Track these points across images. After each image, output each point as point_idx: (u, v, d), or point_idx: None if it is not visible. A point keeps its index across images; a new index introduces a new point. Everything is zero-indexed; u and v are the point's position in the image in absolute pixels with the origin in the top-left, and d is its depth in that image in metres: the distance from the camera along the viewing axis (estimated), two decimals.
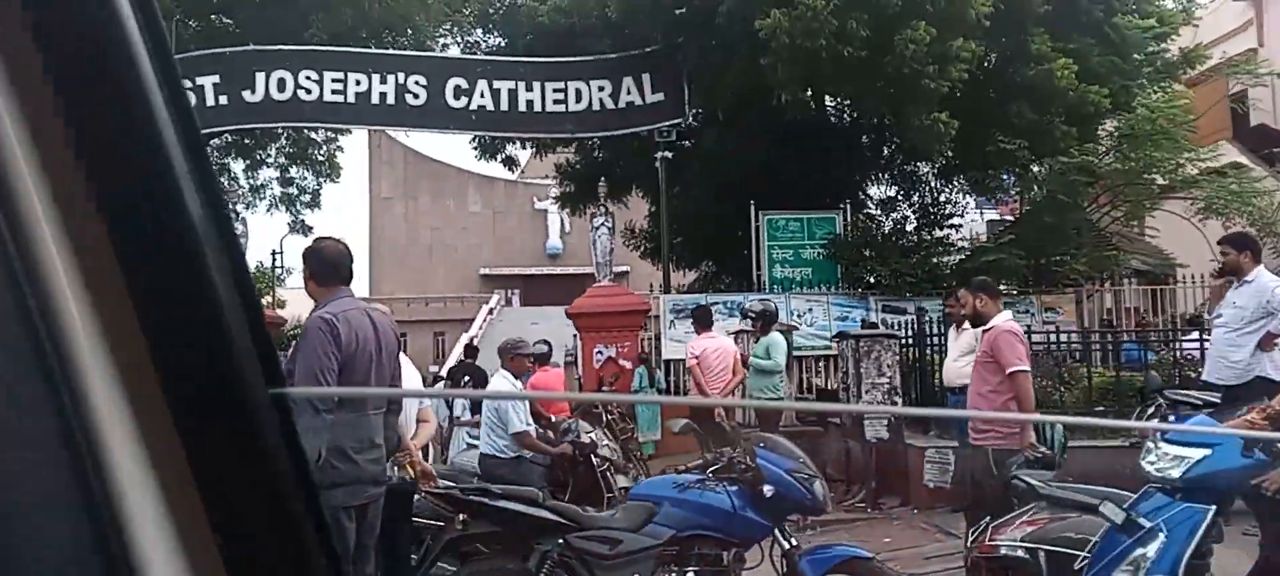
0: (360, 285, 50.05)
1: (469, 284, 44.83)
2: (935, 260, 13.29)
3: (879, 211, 14.50)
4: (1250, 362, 5.23)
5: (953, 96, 12.42)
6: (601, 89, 13.60)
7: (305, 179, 20.42)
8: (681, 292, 14.89)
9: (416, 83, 13.48)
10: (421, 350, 37.25)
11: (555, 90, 13.58)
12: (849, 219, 13.67)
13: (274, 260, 28.63)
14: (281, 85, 13.18)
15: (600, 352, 12.69)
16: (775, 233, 13.68)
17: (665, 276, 14.10)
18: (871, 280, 13.05)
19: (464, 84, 13.55)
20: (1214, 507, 3.22)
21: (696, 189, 14.91)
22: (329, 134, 19.93)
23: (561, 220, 42.71)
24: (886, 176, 14.50)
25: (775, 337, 8.09)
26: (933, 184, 14.53)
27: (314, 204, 20.75)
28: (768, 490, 3.90)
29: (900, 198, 14.66)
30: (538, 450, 5.67)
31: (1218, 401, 5.36)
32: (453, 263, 45.71)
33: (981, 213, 18.57)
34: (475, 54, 16.33)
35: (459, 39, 18.05)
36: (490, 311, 39.22)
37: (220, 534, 0.61)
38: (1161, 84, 13.67)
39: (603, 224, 13.20)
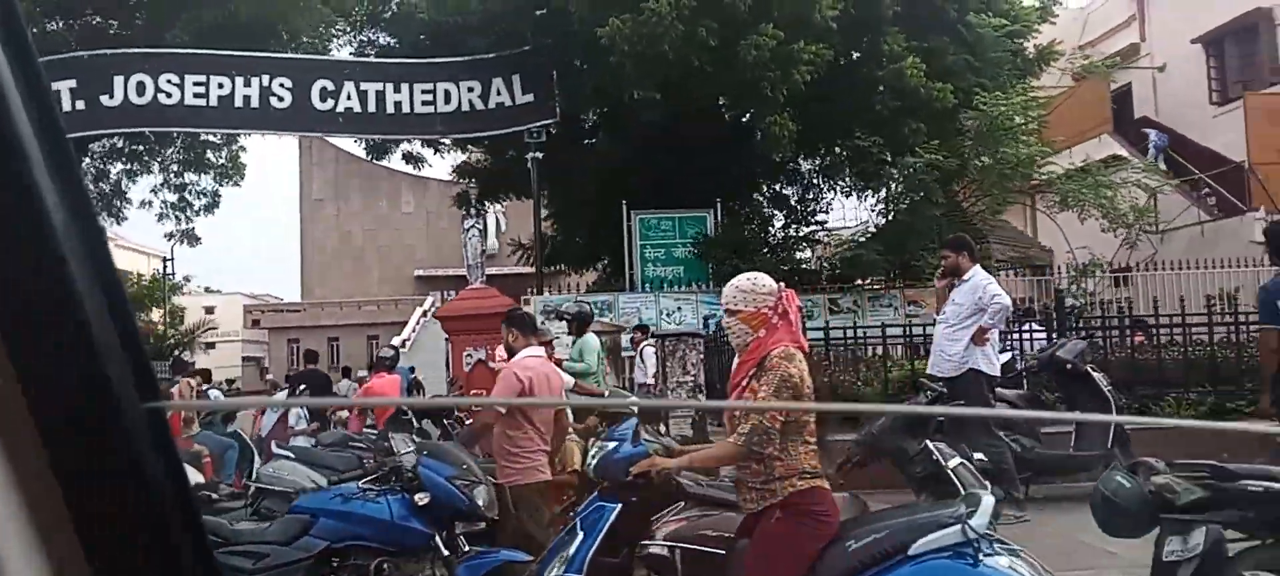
0: (292, 288, 49.34)
1: (404, 286, 44.45)
2: (799, 256, 13.52)
3: (748, 210, 14.64)
4: (964, 356, 5.42)
5: (813, 95, 12.69)
6: (471, 90, 13.59)
7: (200, 183, 20.03)
8: (584, 293, 14.93)
9: (281, 85, 13.34)
10: (355, 354, 36.84)
11: (423, 91, 13.54)
12: (719, 217, 13.83)
13: (165, 267, 28.02)
14: (140, 89, 12.97)
15: (470, 355, 12.68)
16: (648, 232, 13.81)
17: (537, 278, 14.15)
18: None
19: (330, 86, 13.45)
20: (619, 504, 3.37)
21: (582, 189, 14.97)
22: (227, 136, 19.62)
23: (497, 219, 42.47)
24: (766, 175, 14.65)
25: (588, 339, 8.14)
26: (812, 182, 14.71)
27: (211, 208, 20.39)
28: (422, 498, 3.95)
29: (766, 198, 14.81)
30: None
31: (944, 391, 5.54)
32: (387, 265, 45.29)
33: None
34: (367, 55, 16.19)
35: (352, 39, 17.89)
36: (424, 313, 38.89)
37: (90, 548, 0.59)
38: (1018, 82, 14.03)
39: (473, 226, 13.17)
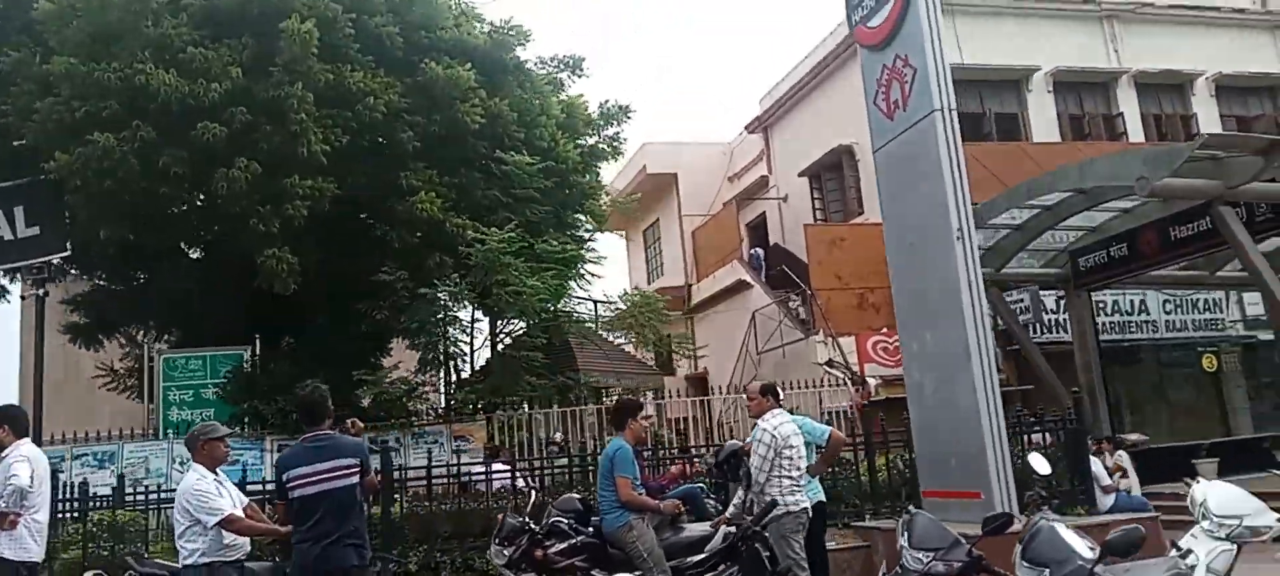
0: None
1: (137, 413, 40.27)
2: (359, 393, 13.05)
3: (298, 348, 14.02)
4: None
5: (331, 230, 12.48)
6: None
7: None
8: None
9: None
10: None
11: None
12: (257, 352, 13.17)
13: None
14: None
15: None
16: (174, 373, 12.90)
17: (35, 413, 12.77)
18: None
19: None
20: None
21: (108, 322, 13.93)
22: None
23: None
24: (313, 312, 14.13)
25: None
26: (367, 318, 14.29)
27: None
28: None
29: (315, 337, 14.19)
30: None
31: None
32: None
33: None
34: None
35: None
36: None
37: None
38: (575, 214, 14.53)
39: None
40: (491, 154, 13.27)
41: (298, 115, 10.95)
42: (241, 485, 6.47)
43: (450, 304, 12.60)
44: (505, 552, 5.77)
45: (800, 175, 21.20)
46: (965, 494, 7.42)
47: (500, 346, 13.87)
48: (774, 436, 6.15)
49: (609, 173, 18.85)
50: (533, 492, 6.26)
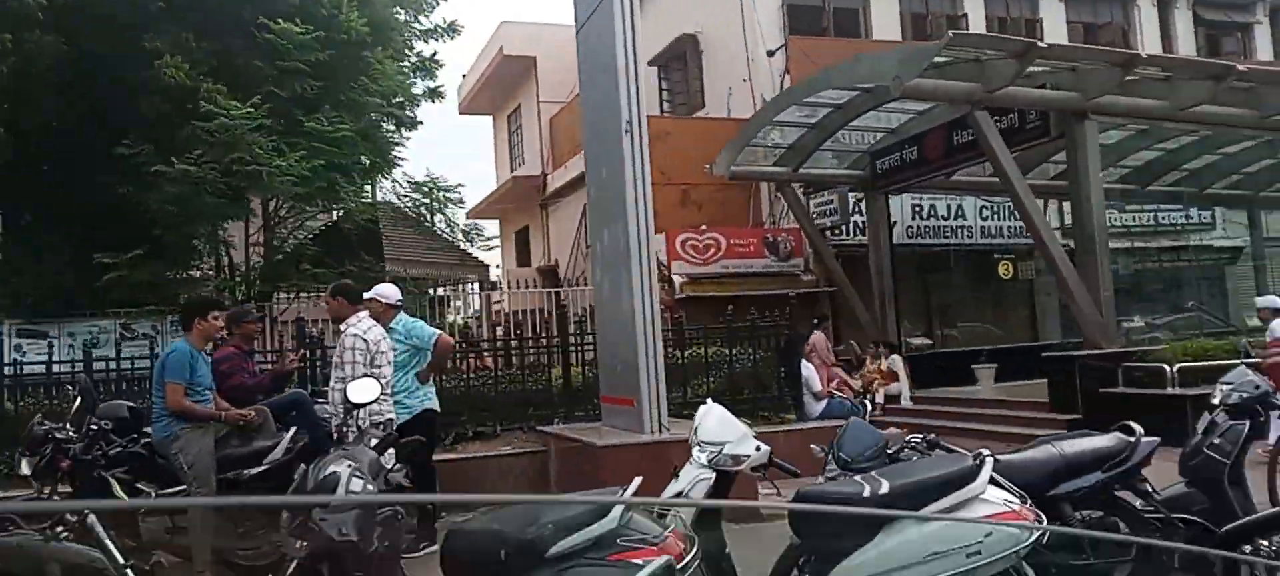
0: None
1: None
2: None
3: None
4: None
5: (66, 93, 11.50)
6: None
7: None
8: None
9: None
10: None
11: None
12: None
13: None
14: None
15: None
16: None
17: None
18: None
19: None
20: None
21: None
22: None
23: None
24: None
25: None
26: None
27: None
28: None
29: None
30: None
31: None
32: None
33: None
34: None
35: None
36: None
37: None
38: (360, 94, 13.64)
39: None
40: (256, 20, 12.22)
41: None
42: None
43: (201, 182, 11.72)
44: (29, 462, 5.29)
45: (650, 64, 20.41)
46: (623, 400, 7.18)
47: (273, 232, 13.15)
48: (365, 341, 5.75)
49: (464, 54, 17.80)
50: (79, 398, 5.72)
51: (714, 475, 4.06)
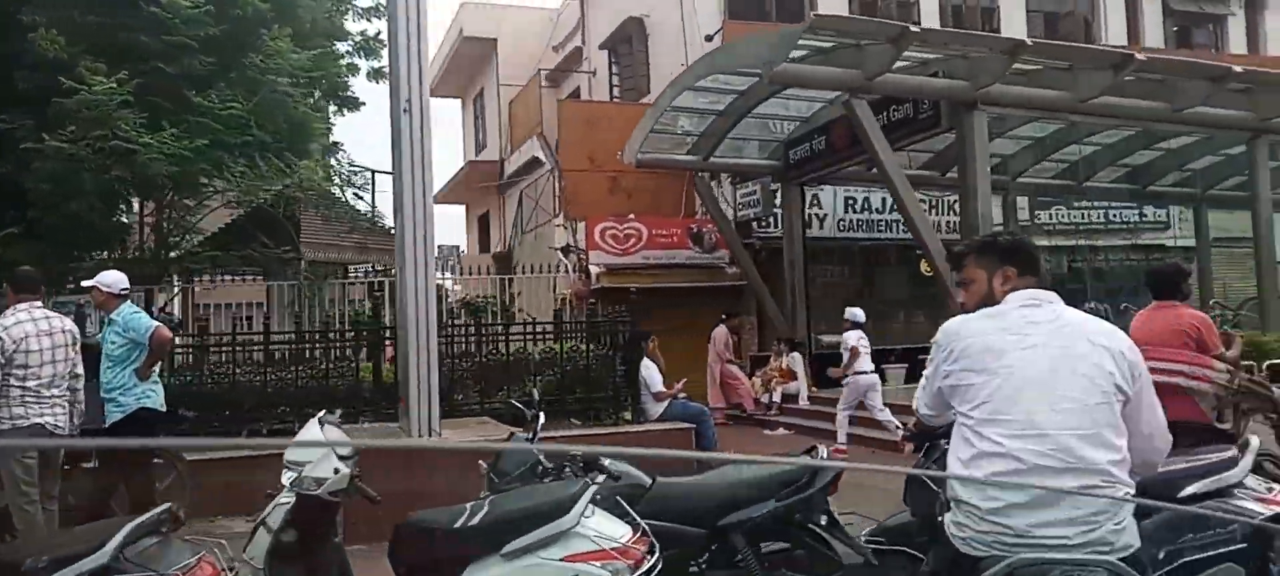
0: None
1: None
2: None
3: None
4: None
5: None
6: None
7: None
8: None
9: None
10: None
11: None
12: None
13: None
14: None
15: None
16: None
17: None
18: None
19: None
20: None
21: None
22: None
23: None
24: None
25: None
26: None
27: None
28: None
29: None
30: None
31: None
32: None
33: None
34: None
35: None
36: None
37: None
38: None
39: None
40: None
41: None
42: None
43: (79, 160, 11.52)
44: None
45: (600, 48, 20.00)
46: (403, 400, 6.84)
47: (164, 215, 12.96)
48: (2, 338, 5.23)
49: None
50: None
51: (294, 498, 3.72)
